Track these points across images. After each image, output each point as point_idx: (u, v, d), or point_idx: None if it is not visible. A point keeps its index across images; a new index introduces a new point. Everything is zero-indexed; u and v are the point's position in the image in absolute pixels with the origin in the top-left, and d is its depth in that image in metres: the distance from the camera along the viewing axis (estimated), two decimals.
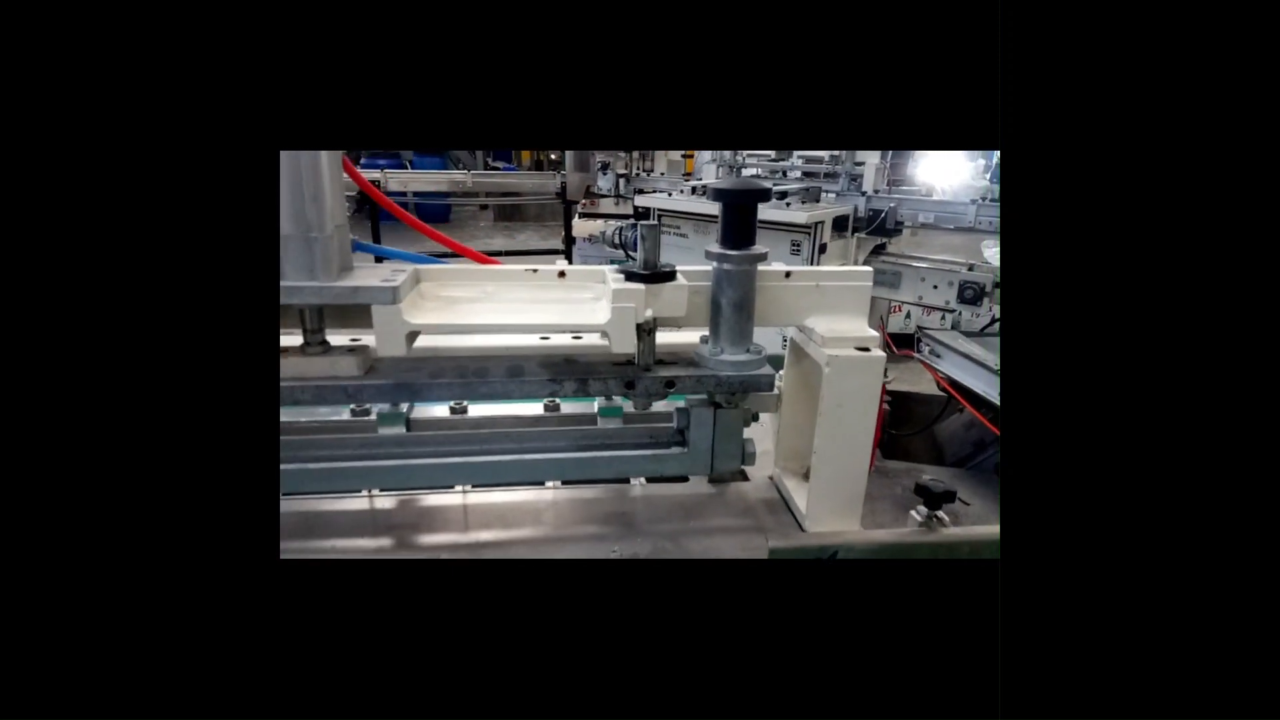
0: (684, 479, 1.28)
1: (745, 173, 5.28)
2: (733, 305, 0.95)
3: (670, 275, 0.94)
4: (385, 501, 1.14)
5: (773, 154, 5.14)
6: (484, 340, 1.01)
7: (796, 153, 5.04)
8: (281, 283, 0.85)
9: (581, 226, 6.41)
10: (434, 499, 1.16)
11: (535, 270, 1.01)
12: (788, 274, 1.03)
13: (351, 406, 1.10)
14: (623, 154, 6.02)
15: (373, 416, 1.09)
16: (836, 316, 1.04)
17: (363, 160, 11.11)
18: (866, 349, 1.00)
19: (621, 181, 5.89)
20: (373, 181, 6.11)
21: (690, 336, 1.06)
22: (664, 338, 1.06)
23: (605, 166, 5.83)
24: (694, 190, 4.81)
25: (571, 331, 0.95)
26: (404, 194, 6.33)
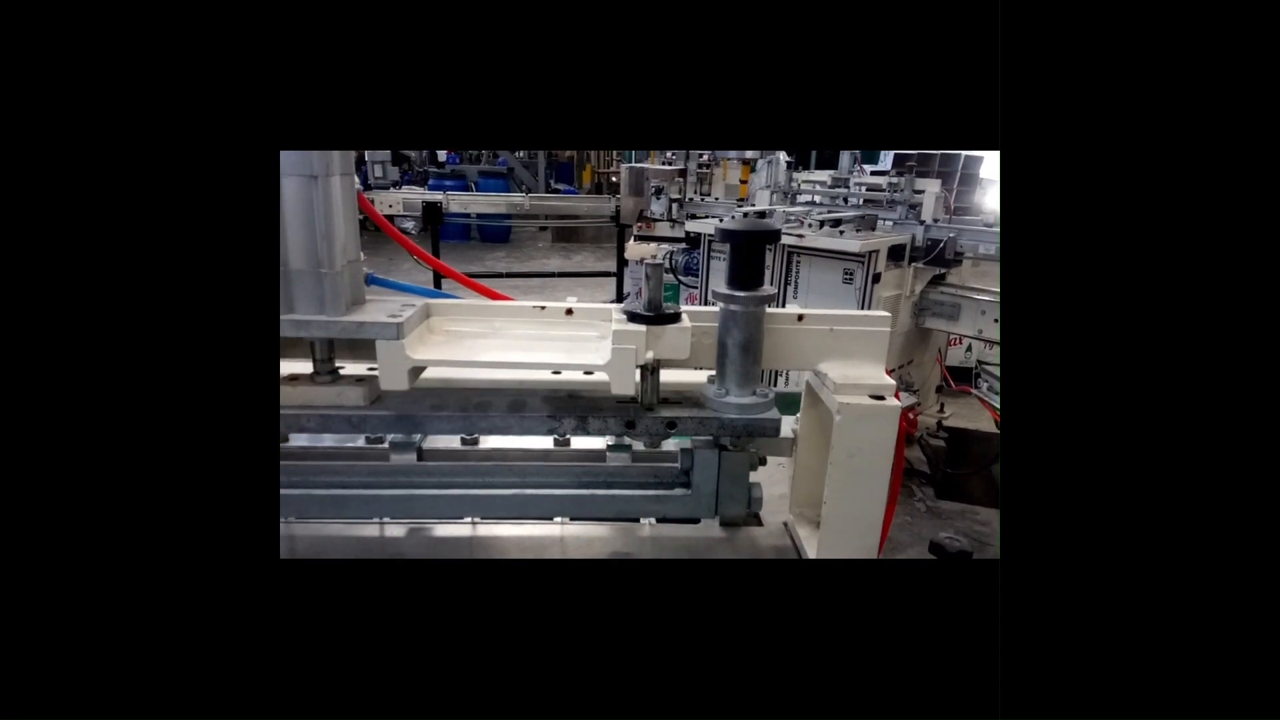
0: (695, 520, 1.25)
1: (800, 198, 5.22)
2: (739, 346, 0.93)
3: (675, 317, 0.93)
4: (395, 530, 1.15)
5: (829, 180, 5.07)
6: (492, 374, 1.02)
7: (855, 180, 4.95)
8: (292, 316, 0.88)
9: (634, 249, 6.46)
10: (444, 530, 1.17)
11: (544, 308, 1.02)
12: (800, 317, 1.00)
13: (366, 434, 1.13)
14: (678, 179, 6.06)
15: (385, 445, 1.11)
16: (851, 362, 0.99)
17: (430, 181, 11.61)
18: (881, 397, 0.95)
19: (674, 206, 5.92)
20: (434, 204, 6.38)
21: (703, 376, 1.04)
22: (675, 376, 1.05)
23: (659, 191, 5.87)
24: (745, 216, 4.78)
25: (572, 369, 0.95)
26: (466, 215, 6.56)
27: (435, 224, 6.45)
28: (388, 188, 6.92)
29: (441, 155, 13.24)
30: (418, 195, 6.45)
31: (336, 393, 0.92)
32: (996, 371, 1.90)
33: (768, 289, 0.93)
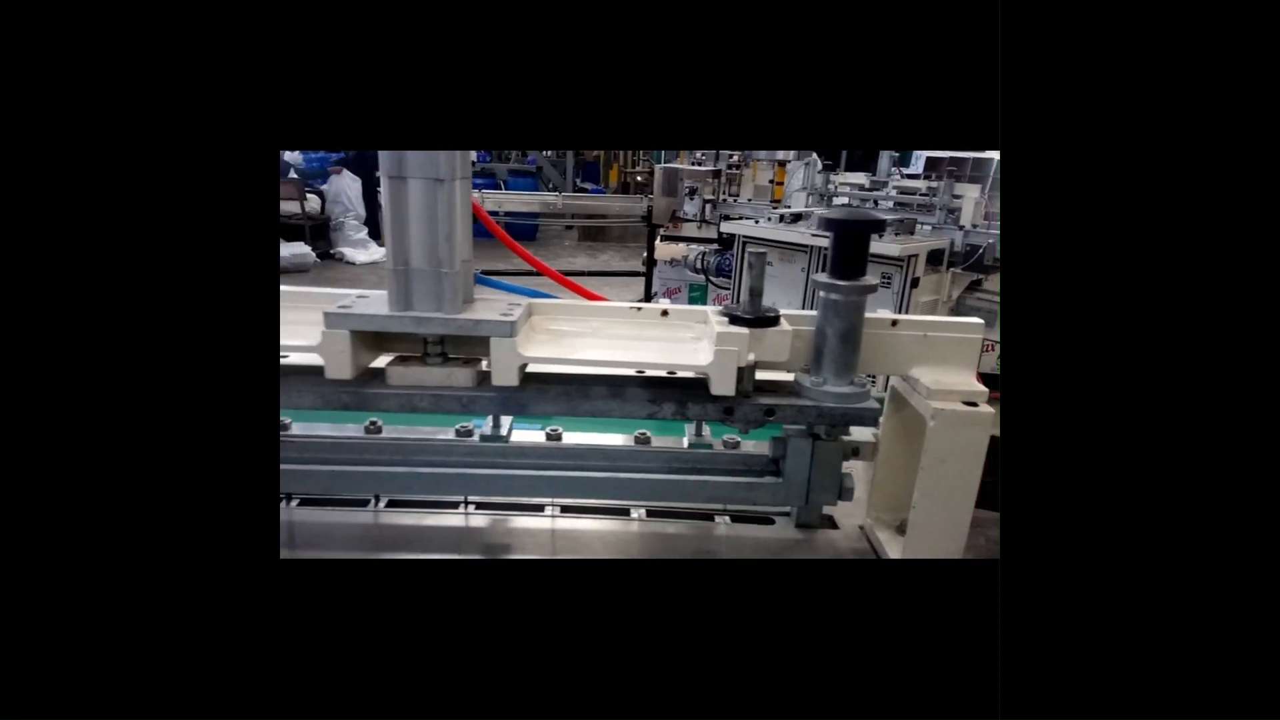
0: (770, 521, 1.27)
1: (836, 201, 5.20)
2: (839, 336, 0.95)
3: (774, 320, 0.95)
4: (479, 520, 1.19)
5: (866, 182, 5.04)
6: (587, 371, 1.05)
7: (892, 183, 4.92)
8: (411, 313, 0.91)
9: (663, 249, 6.48)
10: (523, 521, 1.20)
11: (639, 308, 1.04)
12: (894, 321, 1.02)
13: (457, 426, 1.16)
14: (712, 179, 6.07)
15: (475, 438, 1.14)
16: (944, 368, 1.01)
17: None
18: (974, 404, 0.96)
19: (708, 207, 5.93)
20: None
21: (782, 375, 1.05)
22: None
23: (693, 191, 5.89)
24: (781, 218, 4.78)
25: (672, 370, 0.97)
26: (498, 212, 6.64)
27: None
28: None
29: (472, 154, 13.35)
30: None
31: (447, 374, 0.95)
32: None
33: (869, 279, 0.94)
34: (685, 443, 1.18)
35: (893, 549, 1.13)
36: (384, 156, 0.87)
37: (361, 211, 10.05)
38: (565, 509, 1.26)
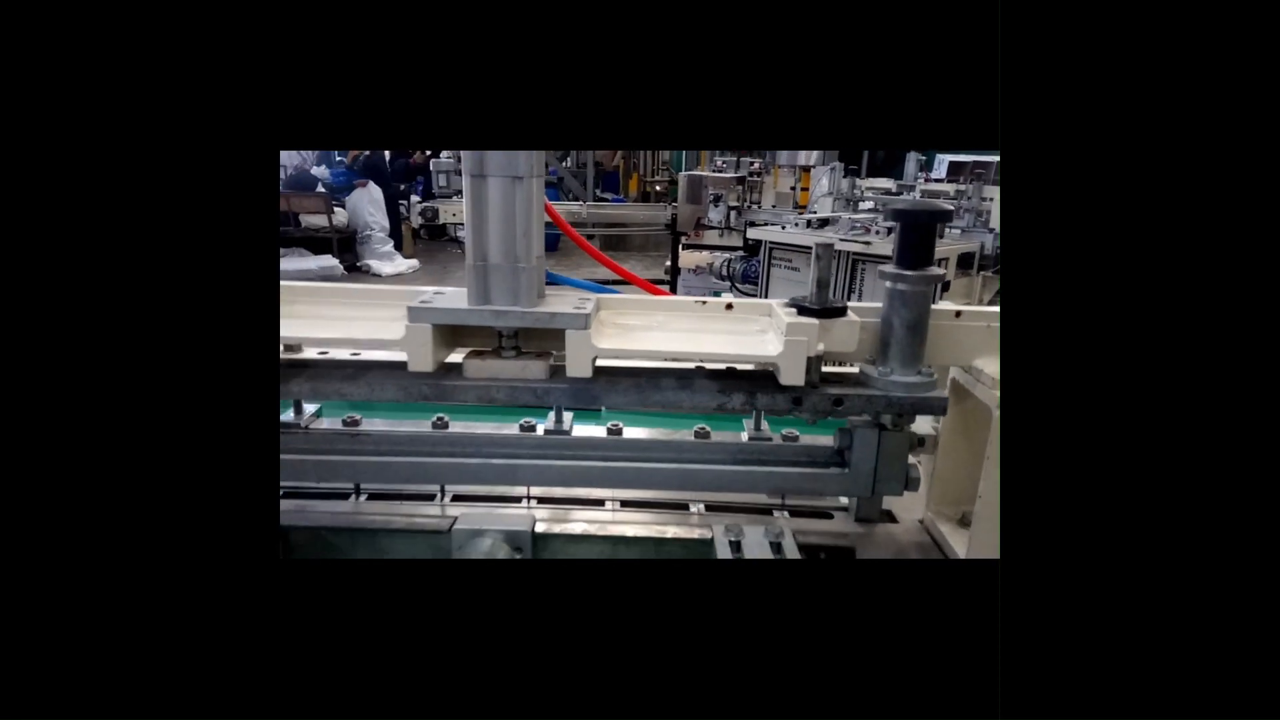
0: (829, 516, 1.28)
1: (862, 206, 5.19)
2: (906, 326, 0.96)
3: (842, 311, 0.96)
4: (541, 513, 1.21)
5: (893, 187, 5.03)
6: (652, 365, 1.07)
7: (919, 186, 4.91)
8: (490, 306, 0.94)
9: (687, 258, 6.50)
10: (583, 514, 1.22)
11: (705, 302, 1.06)
12: (958, 313, 1.03)
13: (520, 421, 1.19)
14: (736, 186, 6.09)
15: (539, 433, 1.17)
16: None
17: None
18: None
19: (733, 214, 5.94)
20: None
21: (845, 369, 1.06)
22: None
23: (718, 199, 5.91)
24: (809, 223, 4.79)
25: (742, 362, 0.99)
26: None
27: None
28: (450, 196, 7.12)
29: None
30: None
31: (521, 366, 0.98)
32: None
33: (936, 270, 0.95)
34: (744, 437, 1.19)
35: (956, 542, 1.14)
36: (466, 156, 0.91)
37: (385, 224, 10.23)
38: (625, 504, 1.28)
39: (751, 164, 7.31)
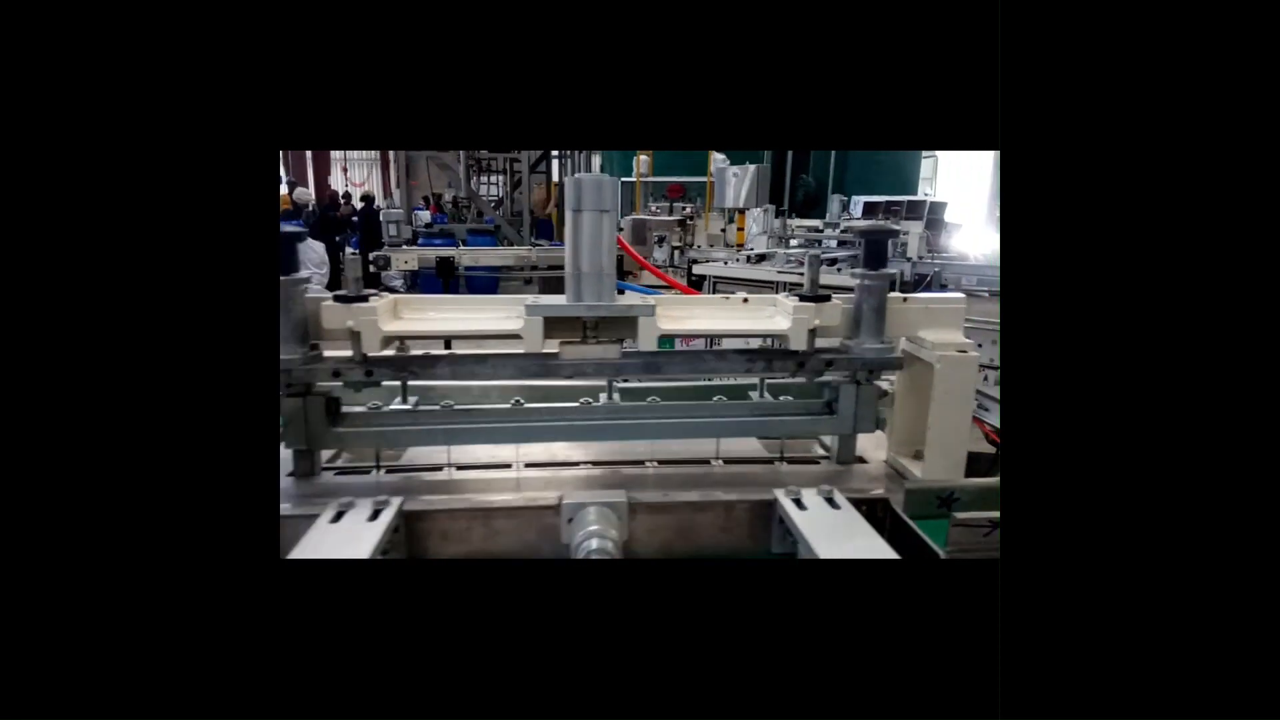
0: (817, 462, 1.67)
1: (792, 243, 5.83)
2: (872, 309, 1.37)
3: (829, 298, 1.38)
4: (597, 471, 1.53)
5: (820, 225, 5.71)
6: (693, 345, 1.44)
7: (843, 223, 5.58)
8: (583, 302, 1.29)
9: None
10: (628, 471, 1.55)
11: (727, 298, 1.46)
12: (904, 299, 1.46)
13: (581, 400, 1.52)
14: (677, 228, 6.65)
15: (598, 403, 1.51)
16: (941, 329, 1.45)
17: (420, 240, 12.10)
18: (965, 351, 1.40)
19: (675, 253, 6.48)
20: (448, 259, 6.83)
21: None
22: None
23: (662, 239, 6.44)
24: (749, 259, 5.35)
25: (764, 336, 1.38)
26: (480, 268, 7.02)
27: (448, 276, 6.88)
28: (400, 245, 7.35)
29: (426, 216, 13.73)
30: (432, 251, 6.91)
31: (602, 349, 1.32)
32: (986, 390, 2.08)
33: (889, 269, 1.38)
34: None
35: (915, 469, 1.55)
36: (568, 193, 1.27)
37: (325, 274, 10.22)
38: (662, 462, 1.62)
39: (684, 208, 7.94)
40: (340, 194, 16.31)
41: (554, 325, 1.35)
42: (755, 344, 1.49)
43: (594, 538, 1.15)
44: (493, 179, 14.14)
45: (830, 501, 1.27)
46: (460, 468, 1.55)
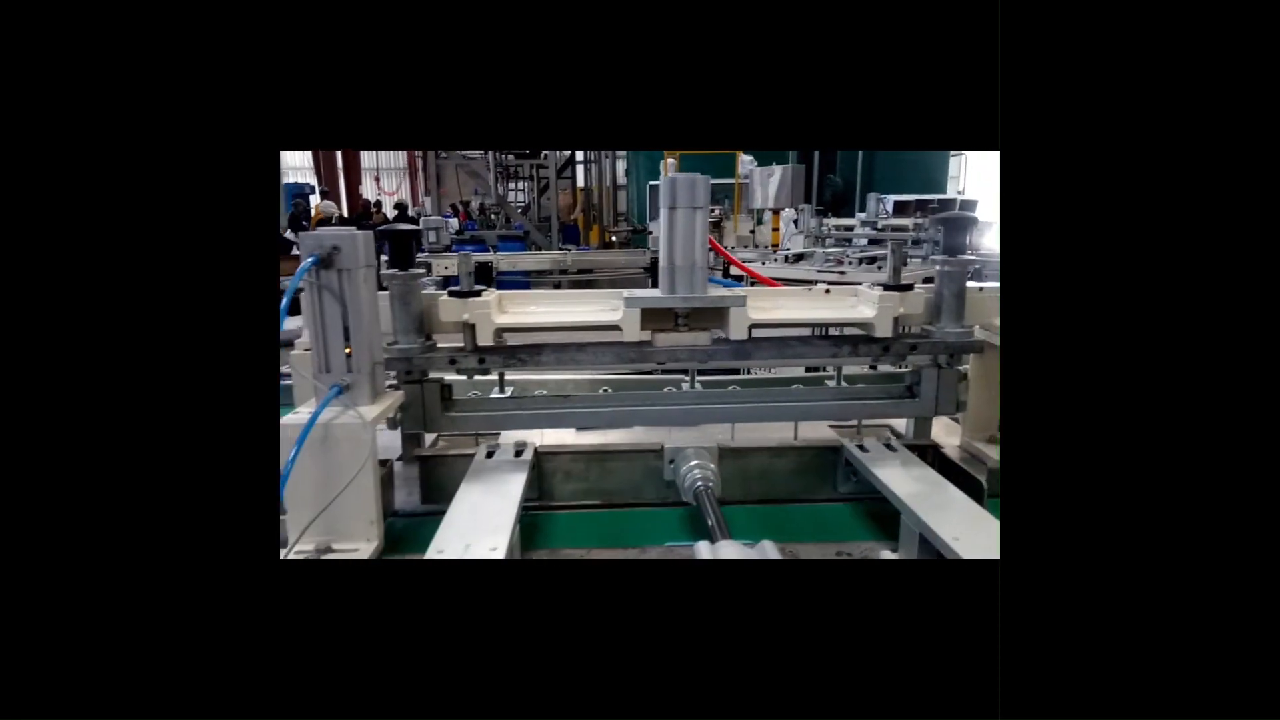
0: (894, 449, 1.72)
1: (828, 242, 5.85)
2: (953, 294, 1.42)
3: (911, 287, 1.43)
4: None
5: (856, 224, 5.73)
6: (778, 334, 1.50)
7: (881, 221, 5.60)
8: (678, 294, 1.36)
9: None
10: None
11: (810, 288, 1.52)
12: (980, 288, 1.51)
13: (665, 388, 1.59)
14: (714, 230, 6.70)
15: (683, 388, 1.58)
16: None
17: (453, 247, 12.35)
18: None
19: (710, 255, 6.52)
20: (486, 264, 6.97)
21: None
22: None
23: None
24: (786, 259, 5.39)
25: (850, 324, 1.44)
26: (517, 273, 7.16)
27: (485, 282, 7.02)
28: (440, 251, 7.50)
29: (454, 223, 14.00)
30: (475, 257, 7.06)
31: (694, 337, 1.39)
32: None
33: (968, 255, 1.43)
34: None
35: (992, 452, 1.59)
36: (663, 192, 1.34)
37: None
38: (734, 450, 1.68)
39: (713, 211, 8.00)
40: (372, 202, 16.67)
41: (648, 316, 1.43)
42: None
43: (696, 468, 1.30)
44: (519, 185, 14.37)
45: (888, 446, 1.45)
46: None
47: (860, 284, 1.50)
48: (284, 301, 1.03)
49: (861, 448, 1.42)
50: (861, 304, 1.47)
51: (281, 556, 1.02)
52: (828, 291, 1.52)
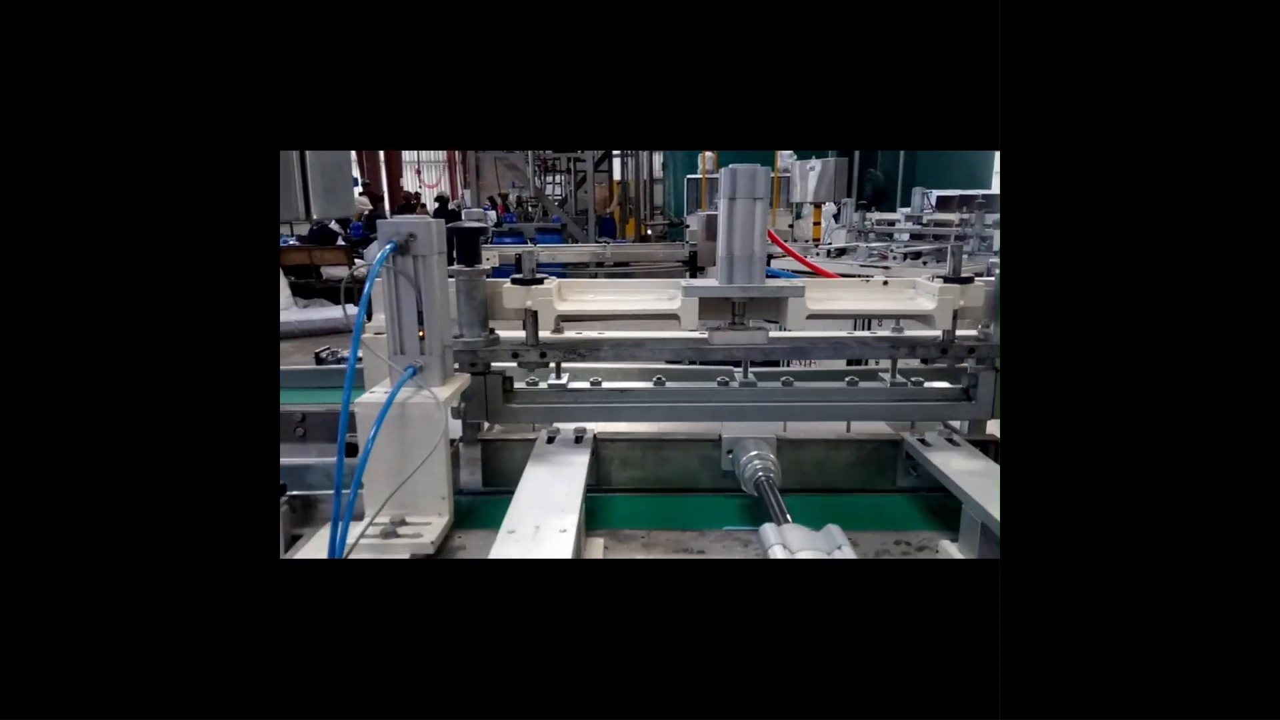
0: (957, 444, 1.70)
1: (870, 236, 5.76)
2: None
3: (971, 280, 1.42)
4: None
5: (901, 218, 5.62)
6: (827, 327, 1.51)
7: (926, 216, 5.49)
8: (734, 284, 1.38)
9: None
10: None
11: (867, 280, 1.51)
12: None
13: (718, 379, 1.61)
14: None
15: (734, 384, 1.59)
16: None
17: (493, 239, 12.52)
18: None
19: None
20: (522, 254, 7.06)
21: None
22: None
23: None
24: (828, 253, 5.33)
25: (909, 316, 1.43)
26: (555, 265, 7.25)
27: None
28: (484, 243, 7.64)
29: (492, 215, 14.19)
30: (511, 249, 7.17)
31: (749, 335, 1.41)
32: None
33: None
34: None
35: None
36: (724, 182, 1.36)
37: None
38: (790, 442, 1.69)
39: None
40: (413, 194, 16.98)
41: (705, 306, 1.44)
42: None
43: (756, 459, 1.31)
44: (557, 178, 14.49)
45: (951, 440, 1.45)
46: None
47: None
48: (366, 288, 1.08)
49: (923, 441, 1.41)
50: (921, 296, 1.46)
51: (359, 531, 1.07)
52: (886, 283, 1.51)
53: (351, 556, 1.01)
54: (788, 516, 1.09)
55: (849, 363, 2.01)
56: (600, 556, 1.18)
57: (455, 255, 1.37)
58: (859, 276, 1.51)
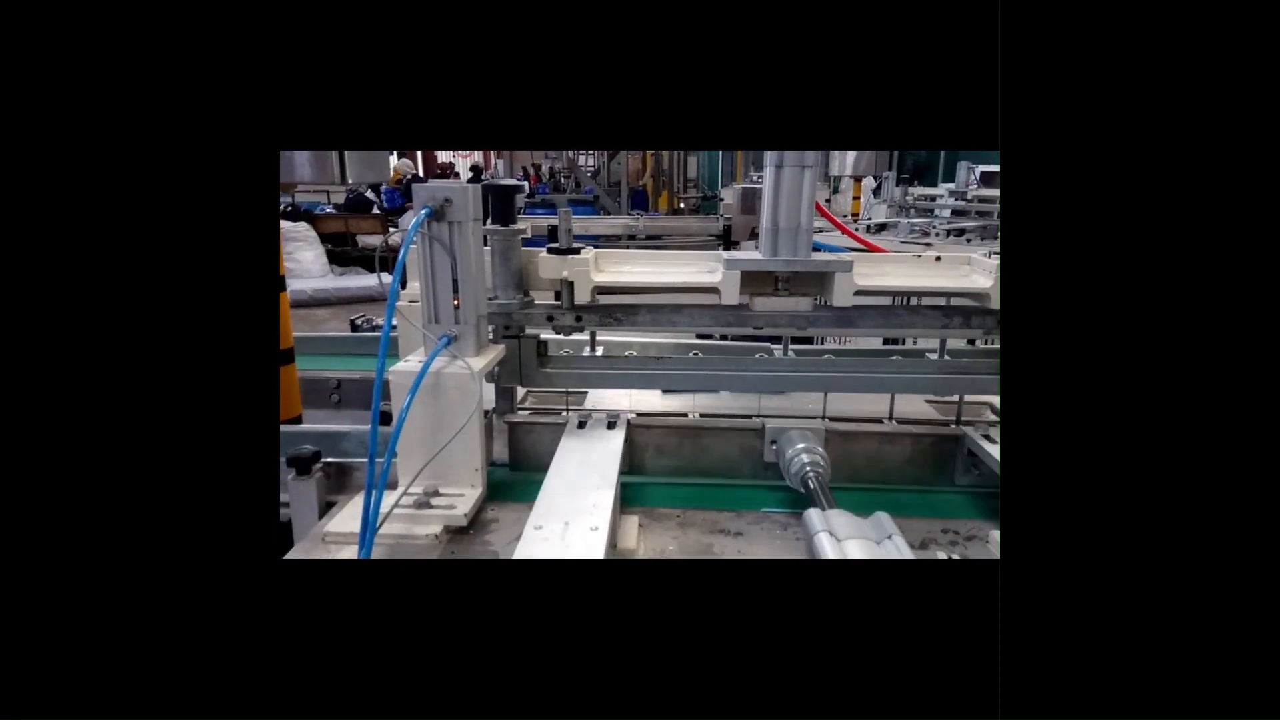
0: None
1: (911, 212, 5.57)
2: None
3: None
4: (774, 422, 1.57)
5: (944, 193, 5.42)
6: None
7: (970, 192, 5.28)
8: (780, 257, 1.32)
9: None
10: (802, 422, 1.58)
11: (919, 255, 1.44)
12: None
13: (757, 354, 1.56)
14: None
15: (775, 355, 1.54)
16: None
17: (526, 210, 12.49)
18: None
19: None
20: (555, 225, 7.02)
21: None
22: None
23: None
24: (868, 229, 5.17)
25: (964, 294, 1.36)
26: (584, 235, 7.20)
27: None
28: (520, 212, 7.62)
29: (526, 187, 14.14)
30: (543, 220, 7.13)
31: (794, 302, 1.35)
32: None
33: None
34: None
35: None
36: (770, 153, 1.29)
37: None
38: (833, 419, 1.64)
39: None
40: (448, 164, 17.01)
41: (746, 280, 1.39)
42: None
43: (804, 452, 1.25)
44: (589, 150, 14.35)
45: None
46: (640, 415, 1.63)
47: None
48: (401, 253, 1.06)
49: (988, 437, 1.34)
50: (975, 273, 1.38)
51: (393, 501, 1.06)
52: (939, 259, 1.43)
53: (384, 529, 1.00)
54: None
55: (890, 344, 1.94)
56: (635, 534, 1.15)
57: (490, 215, 1.34)
58: (913, 254, 1.44)
